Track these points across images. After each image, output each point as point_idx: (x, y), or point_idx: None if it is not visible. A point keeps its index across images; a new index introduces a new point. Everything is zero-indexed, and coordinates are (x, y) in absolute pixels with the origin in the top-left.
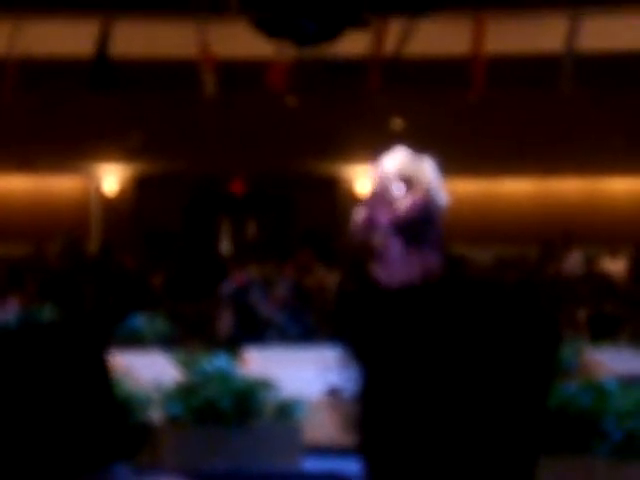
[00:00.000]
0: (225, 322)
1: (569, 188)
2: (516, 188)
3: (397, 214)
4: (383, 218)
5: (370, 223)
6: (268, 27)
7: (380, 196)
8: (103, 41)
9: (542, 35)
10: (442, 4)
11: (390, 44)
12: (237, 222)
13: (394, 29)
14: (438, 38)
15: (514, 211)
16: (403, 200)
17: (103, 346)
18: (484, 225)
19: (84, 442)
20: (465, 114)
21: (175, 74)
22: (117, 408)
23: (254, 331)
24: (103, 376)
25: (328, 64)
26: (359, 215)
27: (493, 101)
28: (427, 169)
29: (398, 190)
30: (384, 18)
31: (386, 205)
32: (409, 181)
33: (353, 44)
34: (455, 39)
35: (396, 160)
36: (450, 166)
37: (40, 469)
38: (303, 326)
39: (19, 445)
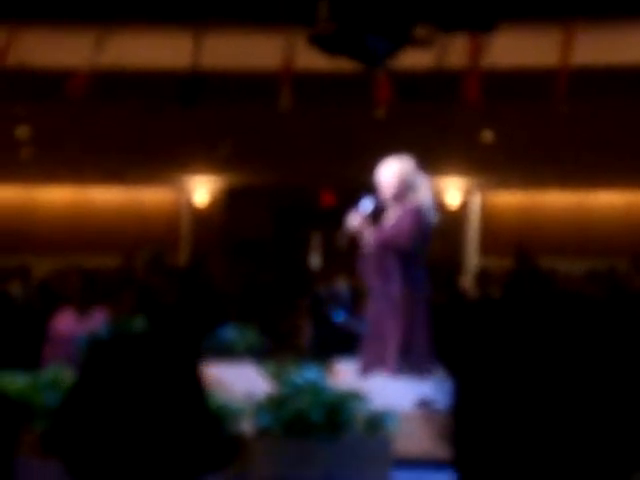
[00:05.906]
0: (305, 333)
1: None
2: (609, 200)
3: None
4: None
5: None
6: (327, 44)
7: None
8: (195, 54)
9: (634, 46)
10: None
11: (485, 57)
12: (327, 234)
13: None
14: (528, 49)
15: (607, 223)
16: (392, 219)
17: (195, 357)
18: (577, 237)
19: (177, 453)
20: (556, 125)
21: (264, 86)
22: (209, 419)
23: (333, 342)
24: (195, 386)
25: (416, 77)
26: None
27: (585, 112)
28: (423, 183)
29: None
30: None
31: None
32: (404, 190)
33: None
34: (546, 50)
35: (395, 166)
36: (542, 178)
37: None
38: None
39: (112, 457)
